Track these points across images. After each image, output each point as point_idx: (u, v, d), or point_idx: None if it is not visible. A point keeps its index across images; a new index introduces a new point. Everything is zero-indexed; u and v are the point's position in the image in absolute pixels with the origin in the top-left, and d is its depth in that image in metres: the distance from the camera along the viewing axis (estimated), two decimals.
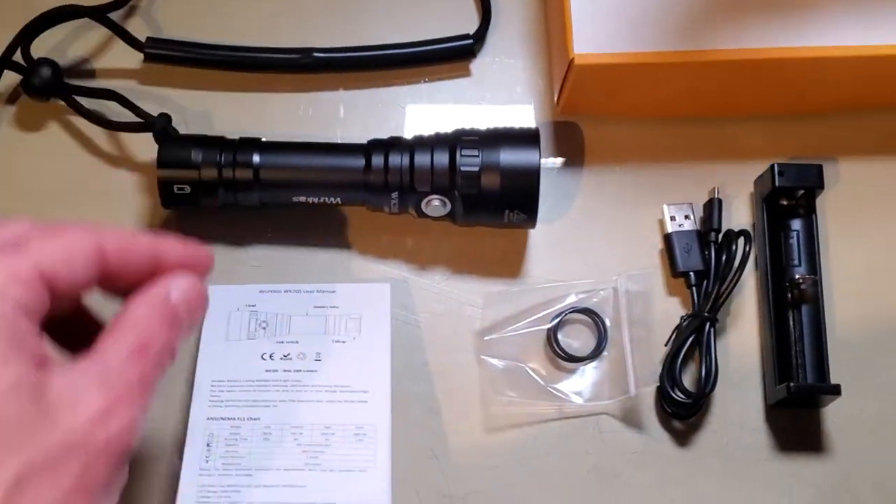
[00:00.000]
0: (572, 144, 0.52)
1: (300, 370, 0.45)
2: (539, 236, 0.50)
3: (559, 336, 0.48)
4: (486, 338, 0.48)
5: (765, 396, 0.48)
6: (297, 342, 0.46)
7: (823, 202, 0.51)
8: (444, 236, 0.50)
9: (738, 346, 0.49)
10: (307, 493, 0.42)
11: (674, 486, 0.46)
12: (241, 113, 0.52)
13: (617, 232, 0.51)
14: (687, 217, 0.50)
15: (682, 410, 0.47)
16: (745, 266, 0.47)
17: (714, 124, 0.52)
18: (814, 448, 0.47)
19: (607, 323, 0.48)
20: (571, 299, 0.49)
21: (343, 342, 0.46)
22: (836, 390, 0.45)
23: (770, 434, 0.47)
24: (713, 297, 0.47)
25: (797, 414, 0.47)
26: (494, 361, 0.48)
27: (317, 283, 0.48)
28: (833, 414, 0.48)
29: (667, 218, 0.50)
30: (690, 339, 0.47)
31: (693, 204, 0.50)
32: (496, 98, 0.53)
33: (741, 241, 0.48)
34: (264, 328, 0.46)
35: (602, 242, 0.51)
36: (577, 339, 0.49)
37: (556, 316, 0.48)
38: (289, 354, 0.46)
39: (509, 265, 0.50)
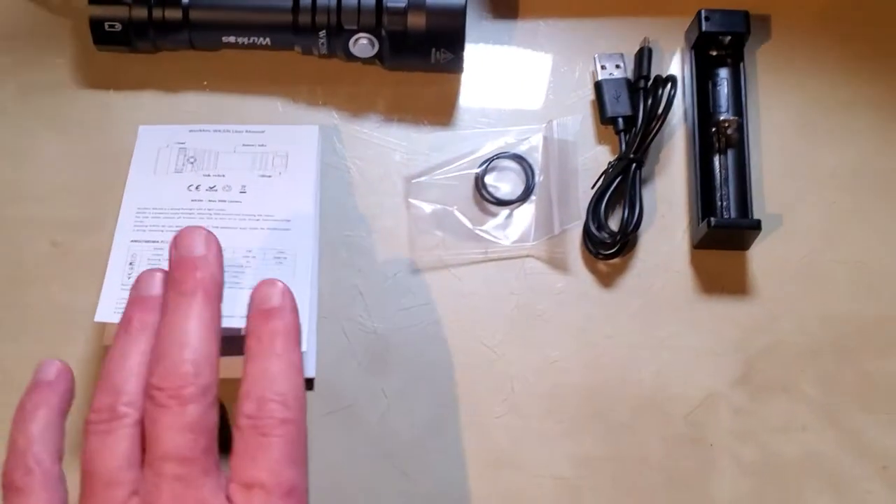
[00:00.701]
0: None
1: (225, 200, 0.46)
2: (470, 86, 0.51)
3: (487, 180, 0.49)
4: (414, 181, 0.49)
5: (690, 240, 0.48)
6: (223, 175, 0.47)
7: (755, 56, 0.51)
8: (377, 85, 0.51)
9: (666, 192, 0.49)
10: (225, 307, 0.42)
11: (596, 324, 0.47)
12: None
13: (549, 82, 0.51)
14: (618, 66, 0.50)
15: (606, 250, 0.47)
16: (670, 107, 0.48)
17: None
18: (737, 290, 0.47)
19: (536, 168, 0.49)
20: (500, 145, 0.49)
21: (269, 177, 0.47)
22: (756, 225, 0.45)
23: (694, 276, 0.48)
24: (639, 138, 0.48)
25: (722, 256, 0.48)
26: (422, 205, 0.48)
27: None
28: (758, 257, 0.48)
29: (597, 67, 0.50)
30: (617, 181, 0.47)
31: (624, 54, 0.50)
32: None
33: (668, 86, 0.48)
34: (192, 163, 0.47)
35: (534, 92, 0.51)
36: (505, 183, 0.49)
37: (485, 161, 0.49)
38: (214, 186, 0.46)
39: (441, 113, 0.50)
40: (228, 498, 0.33)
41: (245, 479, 0.33)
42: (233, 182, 0.47)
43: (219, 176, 0.47)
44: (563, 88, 0.51)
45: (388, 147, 0.50)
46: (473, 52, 0.51)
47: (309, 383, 0.45)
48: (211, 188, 0.46)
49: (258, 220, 0.45)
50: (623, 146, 0.48)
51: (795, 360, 0.46)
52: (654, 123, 0.47)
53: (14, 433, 0.35)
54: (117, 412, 0.34)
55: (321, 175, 0.49)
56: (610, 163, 0.49)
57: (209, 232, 0.38)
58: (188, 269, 0.37)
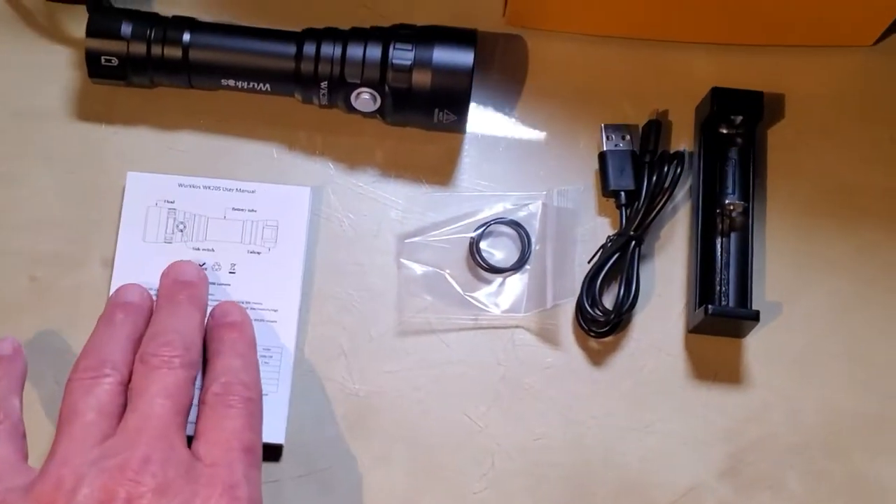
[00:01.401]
0: (516, 56, 0.51)
1: (214, 283, 0.45)
2: (473, 146, 0.50)
3: (482, 245, 0.47)
4: (406, 241, 0.47)
5: (686, 323, 0.47)
6: (212, 250, 0.46)
7: (768, 136, 0.50)
8: (377, 138, 0.49)
9: (665, 270, 0.48)
10: None
11: (583, 402, 0.46)
12: None
13: (553, 148, 0.50)
14: (624, 138, 0.48)
15: (599, 328, 0.46)
16: (675, 186, 0.46)
17: (665, 48, 0.51)
18: (731, 378, 0.46)
19: (532, 237, 0.47)
20: (499, 210, 0.48)
21: (258, 253, 0.46)
22: (754, 316, 0.44)
23: (688, 360, 0.46)
24: (641, 215, 0.46)
25: (717, 342, 0.47)
26: (414, 266, 0.47)
27: (239, 179, 0.47)
28: (755, 345, 0.47)
29: (603, 137, 0.48)
30: (614, 258, 0.46)
31: (631, 126, 0.49)
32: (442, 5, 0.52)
33: (675, 162, 0.47)
34: (181, 230, 0.46)
35: (537, 158, 0.49)
36: (500, 250, 0.48)
37: (481, 225, 0.47)
38: (204, 265, 0.45)
39: (440, 172, 0.49)
40: (193, 452, 0.37)
41: (210, 438, 0.38)
42: (222, 259, 0.46)
43: (208, 251, 0.46)
44: (567, 156, 0.49)
45: (383, 203, 0.48)
46: (478, 113, 0.50)
47: (276, 450, 0.44)
48: (200, 266, 0.45)
49: (246, 308, 0.44)
50: (624, 221, 0.47)
51: (785, 455, 0.45)
52: (657, 201, 0.46)
53: None
54: (102, 371, 0.38)
55: (312, 228, 0.47)
56: (609, 237, 0.47)
57: (199, 267, 0.44)
58: (180, 286, 0.42)
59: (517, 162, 0.49)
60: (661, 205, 0.46)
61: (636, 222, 0.46)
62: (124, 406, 0.38)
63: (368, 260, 0.47)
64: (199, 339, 0.41)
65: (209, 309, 0.43)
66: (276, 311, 0.45)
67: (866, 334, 0.47)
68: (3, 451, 0.38)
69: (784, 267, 0.48)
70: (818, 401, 0.46)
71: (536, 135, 0.50)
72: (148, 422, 0.37)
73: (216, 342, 0.41)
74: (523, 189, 0.49)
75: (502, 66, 0.51)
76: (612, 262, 0.46)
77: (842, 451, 0.45)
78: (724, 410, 0.46)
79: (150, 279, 0.44)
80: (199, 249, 0.46)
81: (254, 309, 0.45)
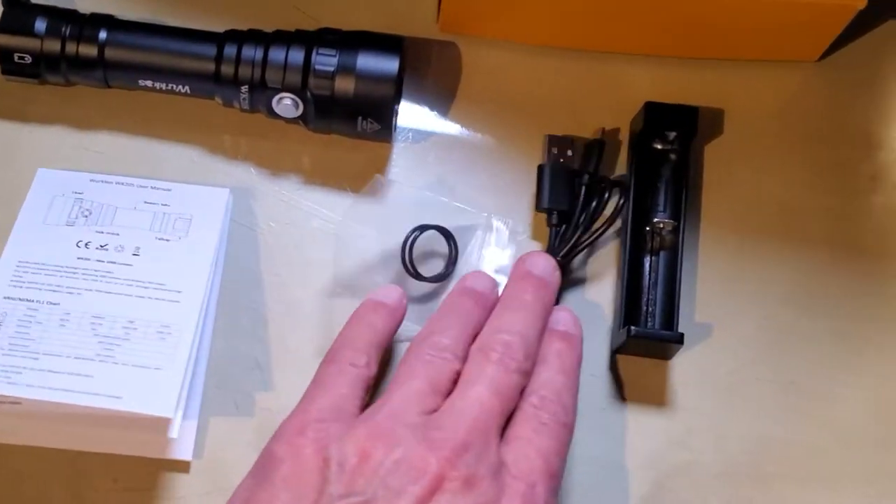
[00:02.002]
0: (450, 64, 0.49)
1: (114, 262, 0.43)
2: (402, 156, 0.48)
3: (410, 253, 0.46)
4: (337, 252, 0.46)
5: (611, 343, 0.46)
6: (117, 234, 0.44)
7: (706, 152, 0.49)
8: (303, 144, 0.48)
9: (593, 287, 0.46)
10: (93, 383, 0.40)
11: None
12: None
13: (486, 160, 0.48)
14: (567, 152, 0.47)
15: None
16: (614, 220, 0.45)
17: (605, 60, 0.50)
18: (656, 401, 0.45)
19: (460, 248, 0.46)
20: (429, 220, 0.46)
21: (167, 241, 0.44)
22: (678, 339, 0.43)
23: (611, 381, 0.45)
24: (570, 244, 0.45)
25: (643, 363, 0.45)
26: (337, 273, 0.46)
27: (156, 178, 0.46)
28: (681, 367, 0.45)
29: (546, 149, 0.47)
30: None
31: (577, 140, 0.47)
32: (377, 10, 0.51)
33: (615, 193, 0.45)
34: (86, 216, 0.44)
35: (469, 169, 0.48)
36: (425, 260, 0.46)
37: (415, 232, 0.45)
38: (106, 245, 0.44)
39: (366, 181, 0.47)
40: (501, 455, 0.36)
41: (520, 449, 0.37)
42: (126, 242, 0.44)
43: (113, 234, 0.44)
44: (500, 169, 0.48)
45: (306, 211, 0.47)
46: (409, 121, 0.48)
47: (184, 465, 0.43)
48: (102, 247, 0.43)
49: (147, 287, 0.42)
50: (552, 243, 0.46)
51: (708, 482, 0.44)
52: (590, 233, 0.45)
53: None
54: (443, 356, 0.38)
55: (230, 235, 0.46)
56: None
57: (555, 264, 0.43)
58: (532, 284, 0.41)
59: (449, 173, 0.48)
60: (595, 237, 0.45)
61: (564, 250, 0.45)
62: (451, 392, 0.38)
63: (287, 271, 0.46)
64: (538, 348, 0.40)
65: None
66: (179, 292, 0.43)
67: (797, 361, 0.46)
68: (344, 392, 0.38)
69: (716, 288, 0.47)
70: (744, 427, 0.45)
71: (469, 145, 0.49)
72: (474, 410, 0.36)
73: (544, 347, 0.40)
74: (457, 199, 0.47)
75: (436, 74, 0.49)
76: None
77: (767, 478, 0.44)
78: (647, 434, 0.44)
79: (45, 259, 0.43)
80: (102, 232, 0.44)
81: (155, 289, 0.43)
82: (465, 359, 0.39)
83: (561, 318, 0.41)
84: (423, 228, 0.46)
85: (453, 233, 0.46)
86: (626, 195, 0.46)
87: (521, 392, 0.38)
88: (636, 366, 0.45)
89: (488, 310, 0.41)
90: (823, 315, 0.47)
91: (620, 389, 0.45)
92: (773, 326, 0.46)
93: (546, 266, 0.42)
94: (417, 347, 0.39)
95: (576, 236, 0.45)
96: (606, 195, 0.45)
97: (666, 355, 0.45)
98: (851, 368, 0.46)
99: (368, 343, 0.40)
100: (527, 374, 0.39)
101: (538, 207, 0.47)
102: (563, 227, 0.46)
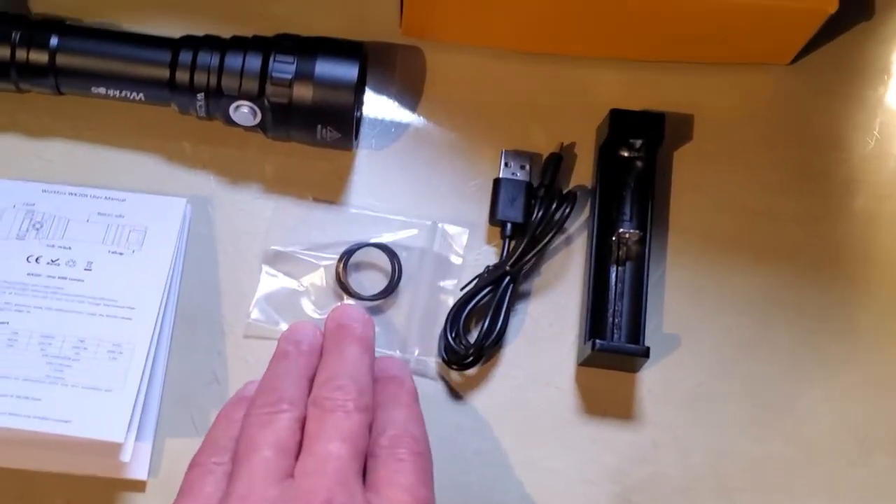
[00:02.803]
0: (413, 70, 0.48)
1: (65, 277, 0.42)
2: (365, 164, 0.47)
3: (348, 269, 0.45)
4: (272, 247, 0.45)
5: (577, 356, 0.45)
6: (69, 248, 0.43)
7: (672, 157, 0.48)
8: (263, 152, 0.47)
9: (560, 298, 0.46)
10: (41, 406, 0.39)
11: (465, 436, 0.44)
12: None
13: (447, 169, 0.47)
14: (523, 167, 0.46)
15: (457, 359, 0.44)
16: (560, 227, 0.44)
17: (572, 64, 0.49)
18: (622, 414, 0.44)
19: (404, 266, 0.45)
20: (375, 233, 0.45)
21: (120, 254, 0.43)
22: (643, 353, 0.42)
23: (577, 394, 0.44)
24: (519, 253, 0.44)
25: (609, 376, 0.45)
26: (273, 275, 0.45)
27: (109, 188, 0.44)
28: (648, 380, 0.45)
29: (501, 163, 0.46)
30: (486, 291, 0.44)
31: (534, 155, 0.47)
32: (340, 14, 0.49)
33: (563, 205, 0.44)
34: (37, 229, 0.43)
35: (432, 178, 0.47)
36: (368, 276, 0.45)
37: (352, 248, 0.45)
38: (57, 260, 0.42)
39: (329, 190, 0.46)
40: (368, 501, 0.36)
41: (384, 492, 0.36)
42: (78, 256, 0.43)
43: (64, 248, 0.43)
44: (461, 178, 0.47)
45: (264, 220, 0.46)
46: (372, 128, 0.47)
47: (140, 485, 0.42)
48: (53, 261, 0.42)
49: (98, 304, 0.41)
50: (504, 254, 0.45)
51: (673, 496, 0.43)
52: (538, 239, 0.44)
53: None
54: (280, 407, 0.37)
55: (188, 245, 0.45)
56: (487, 267, 0.45)
57: (364, 310, 0.42)
58: (346, 330, 0.40)
59: (412, 182, 0.47)
60: (542, 244, 0.44)
61: (514, 257, 0.44)
62: (300, 444, 0.37)
63: (248, 281, 0.45)
64: (371, 384, 0.39)
65: None
66: (132, 308, 0.42)
67: (765, 373, 0.45)
68: (209, 492, 0.36)
69: (684, 299, 0.46)
70: (710, 440, 0.44)
71: (433, 153, 0.48)
72: (327, 465, 0.35)
73: (377, 394, 0.40)
74: (417, 211, 0.46)
75: (400, 80, 0.48)
76: (484, 294, 0.44)
77: (733, 493, 0.43)
78: (612, 448, 0.44)
79: None
80: (53, 246, 0.43)
81: (107, 306, 0.42)
82: (304, 404, 0.38)
83: (384, 365, 0.41)
84: (359, 246, 0.45)
85: (395, 248, 0.45)
86: (592, 204, 0.45)
87: (369, 428, 0.37)
88: (602, 378, 0.45)
89: (317, 356, 0.40)
90: (791, 326, 0.46)
91: (586, 403, 0.44)
92: (741, 338, 0.46)
93: (355, 312, 0.41)
94: (252, 411, 0.38)
95: (523, 245, 0.44)
96: (555, 206, 0.45)
97: (632, 368, 0.44)
98: (818, 381, 0.45)
99: (231, 438, 0.38)
100: (367, 409, 0.38)
101: (492, 220, 0.46)
102: (517, 238, 0.45)
